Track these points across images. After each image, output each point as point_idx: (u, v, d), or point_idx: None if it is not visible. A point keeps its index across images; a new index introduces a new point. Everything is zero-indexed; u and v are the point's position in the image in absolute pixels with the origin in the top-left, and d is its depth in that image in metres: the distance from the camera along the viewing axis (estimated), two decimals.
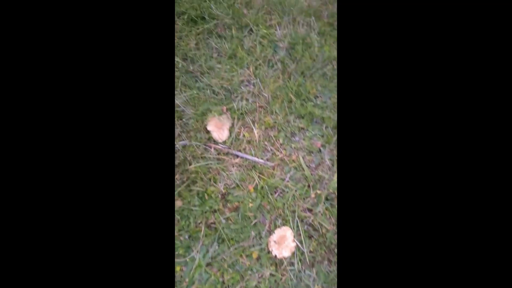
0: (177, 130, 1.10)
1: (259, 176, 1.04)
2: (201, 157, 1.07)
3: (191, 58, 1.22)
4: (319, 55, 1.23)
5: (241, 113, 1.14)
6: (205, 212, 1.00)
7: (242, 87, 1.18)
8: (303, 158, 1.08)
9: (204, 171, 1.04)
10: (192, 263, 0.94)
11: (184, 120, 1.12)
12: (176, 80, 1.17)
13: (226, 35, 1.26)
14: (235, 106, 1.13)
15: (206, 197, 1.02)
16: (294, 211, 1.00)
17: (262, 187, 1.03)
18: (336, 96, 1.15)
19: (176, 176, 1.03)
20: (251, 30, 1.28)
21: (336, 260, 0.95)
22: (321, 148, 1.09)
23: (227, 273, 0.93)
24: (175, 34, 1.26)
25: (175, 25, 1.26)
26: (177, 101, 1.13)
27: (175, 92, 1.15)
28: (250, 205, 1.01)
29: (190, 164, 1.04)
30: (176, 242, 0.97)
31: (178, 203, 1.02)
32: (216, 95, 1.16)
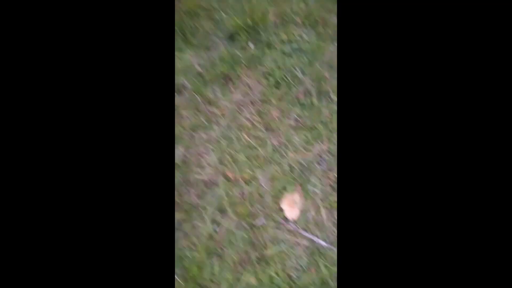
0: (254, 208, 1.10)
1: (324, 264, 1.12)
2: (274, 239, 1.10)
3: (273, 129, 1.17)
4: None
5: (314, 192, 1.17)
6: None
7: (315, 164, 1.19)
8: None
9: (280, 255, 1.09)
10: None
11: (262, 196, 1.12)
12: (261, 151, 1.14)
13: (306, 102, 1.22)
14: (309, 188, 1.15)
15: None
16: None
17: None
18: None
19: (253, 256, 1.06)
20: (329, 97, 1.25)
21: None
22: None
23: None
24: (262, 96, 1.18)
25: (261, 87, 1.18)
26: (261, 179, 1.11)
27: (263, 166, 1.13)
28: None
29: (265, 248, 1.07)
30: None
31: (252, 280, 1.07)
32: (292, 171, 1.16)
